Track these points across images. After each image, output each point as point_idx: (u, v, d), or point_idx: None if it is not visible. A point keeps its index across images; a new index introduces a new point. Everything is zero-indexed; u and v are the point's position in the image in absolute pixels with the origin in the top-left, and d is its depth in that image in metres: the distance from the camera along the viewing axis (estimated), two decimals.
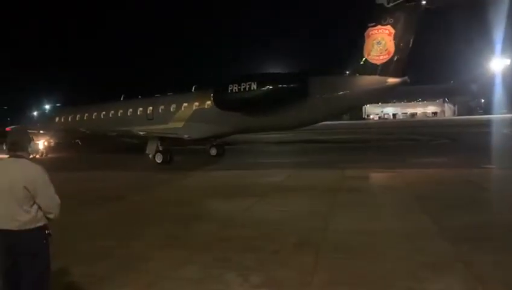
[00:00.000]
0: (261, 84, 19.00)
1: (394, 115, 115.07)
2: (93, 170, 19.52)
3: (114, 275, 5.95)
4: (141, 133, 21.43)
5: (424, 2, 17.89)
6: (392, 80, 18.36)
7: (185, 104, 22.64)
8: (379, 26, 18.42)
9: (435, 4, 18.44)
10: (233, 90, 19.35)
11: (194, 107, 22.24)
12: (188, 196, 12.05)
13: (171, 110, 23.04)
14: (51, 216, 4.07)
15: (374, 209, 9.50)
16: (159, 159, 20.31)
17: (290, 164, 18.55)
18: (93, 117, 26.43)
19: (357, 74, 19.02)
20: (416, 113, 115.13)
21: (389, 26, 18.17)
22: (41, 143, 25.69)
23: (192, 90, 23.49)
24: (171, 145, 21.65)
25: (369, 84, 18.82)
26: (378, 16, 18.43)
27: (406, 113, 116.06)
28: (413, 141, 30.86)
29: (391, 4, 17.91)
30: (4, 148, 4.10)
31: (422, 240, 7.02)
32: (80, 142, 26.24)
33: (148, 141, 20.79)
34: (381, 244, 6.94)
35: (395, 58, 18.17)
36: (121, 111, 25.28)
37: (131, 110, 24.83)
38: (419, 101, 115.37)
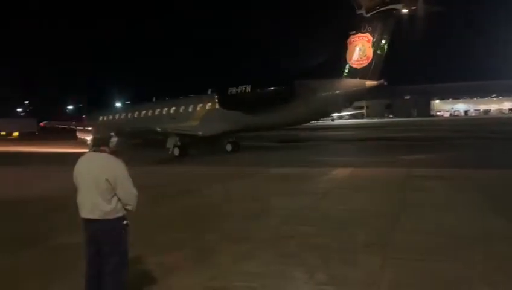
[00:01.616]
0: (254, 87, 21.88)
1: (466, 111, 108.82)
2: (148, 165, 19.96)
3: (182, 266, 6.20)
4: (159, 130, 24.17)
5: (397, 12, 20.02)
6: (370, 83, 20.78)
7: (200, 105, 25.91)
8: (359, 34, 20.72)
9: (407, 11, 20.22)
10: (232, 92, 22.55)
11: (207, 108, 25.35)
12: (252, 192, 12.23)
13: (189, 110, 26.42)
14: (129, 207, 4.37)
15: (442, 209, 9.13)
16: (176, 152, 23.47)
17: (354, 162, 18.24)
18: (130, 116, 30.62)
19: (341, 77, 21.35)
20: (490, 109, 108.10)
21: (367, 34, 20.50)
22: (90, 139, 27.68)
23: (208, 92, 26.16)
24: (197, 141, 24.79)
25: (351, 87, 21.20)
26: (358, 25, 20.79)
27: (479, 109, 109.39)
28: (485, 139, 29.07)
29: (369, 14, 20.20)
30: (88, 143, 4.46)
31: (495, 243, 6.66)
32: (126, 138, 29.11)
33: (168, 137, 23.85)
34: (452, 246, 6.65)
35: (373, 63, 20.55)
36: (151, 111, 29.08)
37: (159, 110, 28.58)
38: (493, 97, 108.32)
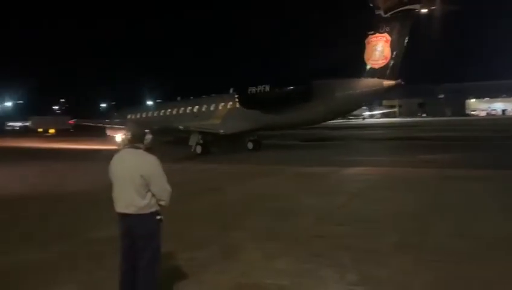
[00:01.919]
0: (273, 87, 22.33)
1: (503, 111, 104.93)
2: (176, 162, 20.04)
3: (213, 262, 6.27)
4: (181, 127, 25.13)
5: (415, 12, 20.14)
6: (387, 82, 20.86)
7: (222, 104, 26.44)
8: (377, 34, 20.89)
9: (426, 11, 20.27)
10: (251, 92, 23.04)
11: (228, 107, 25.86)
12: (280, 190, 12.22)
13: (211, 109, 27.05)
14: (163, 203, 4.46)
15: (478, 211, 8.88)
16: (198, 150, 24.11)
17: (385, 161, 17.95)
18: (156, 114, 31.70)
19: (359, 77, 21.50)
20: None
21: (386, 34, 20.63)
22: (119, 136, 28.67)
23: (230, 91, 26.27)
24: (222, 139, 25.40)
25: (368, 86, 21.33)
26: (376, 25, 20.91)
27: None
28: None
29: (388, 14, 20.33)
30: (117, 140, 4.56)
31: None
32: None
33: (191, 135, 24.63)
34: (486, 249, 6.45)
35: (391, 63, 20.67)
36: (176, 109, 30.13)
37: (183, 108, 29.56)
38: None
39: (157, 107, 33.80)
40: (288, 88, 22.27)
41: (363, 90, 21.52)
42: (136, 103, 42.99)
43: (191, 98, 32.22)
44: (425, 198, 10.44)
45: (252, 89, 23.07)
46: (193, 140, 24.48)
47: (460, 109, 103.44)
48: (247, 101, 23.70)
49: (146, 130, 4.54)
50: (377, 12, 20.70)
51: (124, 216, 4.39)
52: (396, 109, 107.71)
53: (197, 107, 28.40)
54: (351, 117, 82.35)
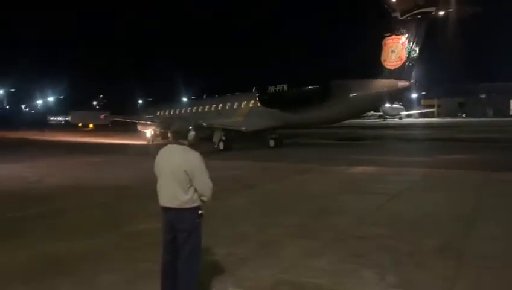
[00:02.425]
0: (291, 86, 23.19)
1: None
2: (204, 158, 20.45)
3: (251, 258, 6.32)
4: (205, 124, 25.74)
5: (432, 14, 20.41)
6: (402, 83, 21.37)
7: (244, 102, 27.36)
8: (393, 36, 21.43)
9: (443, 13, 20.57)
10: (271, 91, 23.97)
11: (250, 105, 26.71)
12: (316, 189, 12.15)
13: (234, 107, 28.10)
14: (205, 199, 4.55)
15: None
16: (221, 146, 24.99)
17: (424, 162, 17.50)
18: (182, 112, 33.23)
19: (376, 78, 21.97)
20: None
21: (401, 36, 21.15)
22: (149, 132, 31.73)
23: (253, 90, 26.89)
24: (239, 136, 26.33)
25: (384, 87, 21.82)
26: (393, 27, 21.44)
27: None
28: None
29: (404, 17, 20.76)
30: (169, 135, 4.68)
31: None
32: None
33: (214, 132, 25.63)
34: None
35: (406, 64, 21.09)
36: (202, 107, 31.61)
37: (208, 106, 30.96)
38: None
39: (184, 104, 35.64)
40: (305, 88, 23.07)
41: (379, 90, 22.10)
42: (169, 99, 44.24)
43: (216, 96, 33.80)
44: (467, 200, 10.13)
45: (271, 88, 24.02)
46: (216, 137, 25.51)
47: (504, 110, 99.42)
48: (267, 100, 24.60)
49: (190, 127, 4.63)
50: (394, 14, 21.27)
51: (167, 210, 4.51)
52: (434, 109, 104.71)
53: (220, 105, 29.60)
54: (387, 117, 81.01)
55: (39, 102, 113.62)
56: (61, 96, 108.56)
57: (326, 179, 14.17)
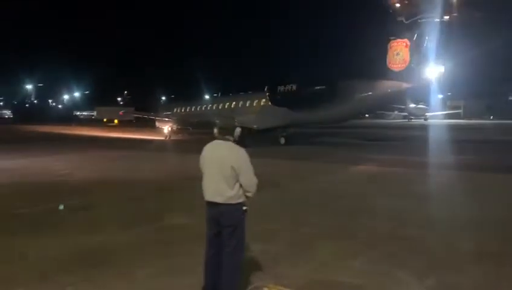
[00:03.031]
0: (299, 86, 23.97)
1: None
2: None
3: (285, 256, 6.33)
4: (217, 121, 24.83)
5: (436, 19, 21.13)
6: (406, 85, 22.09)
7: (256, 101, 28.27)
8: (398, 39, 22.25)
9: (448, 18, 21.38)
10: (280, 91, 24.84)
11: (261, 104, 27.52)
12: (344, 189, 12.05)
13: (247, 105, 29.06)
14: (249, 194, 4.59)
15: None
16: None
17: (456, 165, 17.10)
18: (198, 109, 34.59)
19: (381, 79, 22.68)
20: None
21: (406, 40, 21.92)
22: (166, 128, 33.39)
23: (265, 89, 27.21)
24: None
25: (389, 88, 22.59)
26: (397, 31, 22.22)
27: None
28: None
29: (408, 21, 21.54)
30: (215, 132, 4.71)
31: None
32: (190, 128, 34.31)
33: None
34: None
35: (410, 67, 21.89)
36: (216, 105, 32.81)
37: (222, 104, 32.01)
38: None
39: (199, 102, 36.68)
40: (313, 88, 23.86)
41: (384, 91, 22.93)
42: (187, 97, 45.51)
43: (230, 94, 35.38)
44: (503, 204, 9.88)
45: (281, 88, 24.89)
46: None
47: None
48: (277, 99, 25.43)
49: (236, 123, 4.66)
50: (399, 19, 22.11)
51: (213, 205, 4.56)
52: (461, 110, 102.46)
53: (233, 103, 30.77)
54: (412, 117, 79.70)
55: (66, 97, 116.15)
56: (87, 92, 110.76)
57: (353, 179, 14.05)
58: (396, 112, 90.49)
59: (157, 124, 36.71)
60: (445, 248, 6.70)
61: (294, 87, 24.22)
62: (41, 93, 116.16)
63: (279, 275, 5.56)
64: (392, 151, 22.69)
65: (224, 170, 4.43)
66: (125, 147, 26.97)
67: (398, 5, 21.74)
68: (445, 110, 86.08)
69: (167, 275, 5.56)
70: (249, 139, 25.40)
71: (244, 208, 4.59)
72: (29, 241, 6.94)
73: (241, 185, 4.50)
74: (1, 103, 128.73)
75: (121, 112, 65.42)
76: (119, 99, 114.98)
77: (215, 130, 4.73)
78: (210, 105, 33.82)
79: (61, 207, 8.95)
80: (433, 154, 21.31)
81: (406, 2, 21.54)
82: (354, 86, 23.29)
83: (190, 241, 6.95)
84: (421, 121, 75.75)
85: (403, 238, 7.26)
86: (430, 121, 73.97)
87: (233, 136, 4.69)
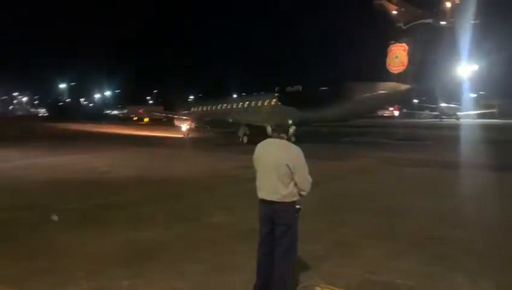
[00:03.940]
0: (305, 87, 26.27)
1: None
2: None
3: (330, 256, 6.31)
4: (230, 120, 29.74)
5: (430, 24, 22.89)
6: (404, 86, 23.72)
7: (267, 101, 30.04)
8: (397, 44, 23.89)
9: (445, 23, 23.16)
10: (288, 91, 27.02)
11: (272, 103, 29.09)
12: (381, 189, 11.92)
13: (258, 105, 30.90)
14: (304, 193, 4.59)
15: None
16: (245, 140, 27.64)
17: (495, 165, 16.62)
18: (213, 108, 36.44)
19: (381, 81, 24.30)
20: None
21: (404, 44, 23.59)
22: (185, 126, 34.88)
23: (276, 90, 29.06)
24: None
25: (387, 89, 24.15)
26: (396, 35, 23.94)
27: None
28: None
29: (406, 26, 23.34)
30: (269, 130, 4.73)
31: None
32: (208, 127, 36.30)
33: (239, 127, 28.64)
34: None
35: (408, 70, 23.47)
36: (230, 105, 34.64)
37: (235, 104, 33.98)
38: None
39: (215, 101, 38.41)
40: (317, 89, 26.01)
41: (383, 92, 24.44)
42: (207, 97, 47.65)
43: (243, 94, 37.80)
44: None
45: (289, 89, 27.17)
46: (241, 131, 28.42)
47: None
48: (285, 99, 27.30)
49: (290, 122, 4.68)
50: (398, 24, 23.74)
51: (267, 203, 4.57)
52: (496, 110, 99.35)
53: (246, 103, 32.80)
54: (443, 117, 77.90)
55: (97, 96, 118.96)
56: (118, 91, 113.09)
57: (389, 178, 13.86)
58: (427, 111, 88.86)
59: (175, 122, 38.22)
60: (494, 249, 6.55)
61: (300, 88, 26.49)
62: (74, 92, 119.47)
63: (328, 274, 5.56)
64: (425, 151, 22.34)
65: (280, 168, 4.44)
66: (160, 144, 27.66)
67: (395, 12, 23.56)
68: (478, 110, 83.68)
69: (218, 272, 5.63)
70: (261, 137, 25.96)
71: (298, 206, 4.60)
72: (79, 237, 7.16)
73: (295, 184, 4.50)
74: (37, 102, 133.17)
75: (140, 110, 67.03)
76: (148, 98, 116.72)
77: (269, 129, 4.74)
78: (225, 105, 35.50)
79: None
80: (468, 154, 20.82)
81: (403, 9, 23.35)
82: (355, 87, 24.95)
83: (234, 239, 7.04)
84: (453, 120, 73.91)
85: (449, 238, 7.14)
86: (462, 120, 72.12)
87: (287, 135, 4.69)
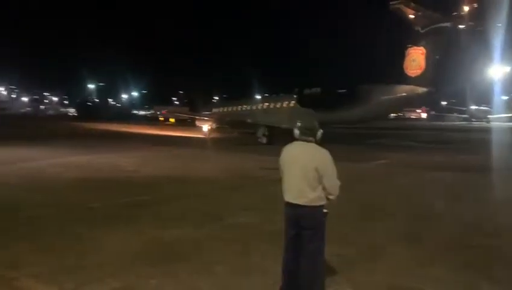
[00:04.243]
0: (323, 89, 26.91)
1: None
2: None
3: (360, 261, 6.20)
4: (249, 121, 30.85)
5: (447, 28, 23.38)
6: (421, 89, 23.81)
7: (286, 102, 30.60)
8: (415, 47, 24.09)
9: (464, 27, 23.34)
10: (306, 93, 27.72)
11: (290, 105, 29.67)
12: (409, 192, 11.68)
13: (277, 106, 31.42)
14: (332, 197, 4.51)
15: None
16: (263, 140, 28.75)
17: None
18: (234, 109, 36.97)
19: (399, 84, 24.49)
20: None
21: (421, 47, 23.78)
22: (206, 127, 35.74)
23: (295, 91, 29.48)
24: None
25: (405, 92, 24.38)
26: (414, 39, 24.22)
27: None
28: None
29: (424, 30, 23.61)
30: (297, 132, 4.64)
31: None
32: (228, 127, 37.51)
33: (259, 128, 29.67)
34: None
35: (425, 73, 23.61)
36: (250, 106, 35.17)
37: (255, 105, 34.61)
38: None
39: (236, 102, 39.01)
40: (335, 91, 26.44)
41: (401, 95, 24.67)
42: (228, 98, 48.43)
43: (265, 95, 38.71)
44: None
45: (307, 91, 27.76)
46: (260, 132, 29.41)
47: None
48: (303, 101, 27.64)
49: (317, 124, 4.59)
50: (415, 28, 23.99)
51: (294, 206, 4.51)
52: None
53: (266, 104, 33.48)
54: (473, 119, 75.95)
55: (124, 96, 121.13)
56: (145, 91, 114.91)
57: (418, 182, 13.57)
58: (456, 114, 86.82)
59: (197, 123, 39.06)
60: None
61: (318, 90, 27.12)
62: (102, 93, 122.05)
63: (355, 280, 5.47)
64: (454, 154, 21.81)
65: (308, 171, 4.38)
66: (185, 144, 27.84)
67: (412, 16, 23.68)
68: (510, 113, 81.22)
69: (244, 274, 5.61)
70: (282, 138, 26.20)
71: (325, 210, 4.52)
72: (107, 234, 7.27)
73: (323, 188, 4.44)
74: (67, 102, 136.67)
75: (163, 111, 68.48)
76: (174, 98, 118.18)
77: (296, 131, 4.65)
78: (246, 106, 36.00)
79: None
80: (500, 159, 20.19)
81: (420, 13, 23.44)
82: (372, 90, 25.23)
83: (260, 240, 7.01)
84: (483, 123, 71.94)
85: (478, 246, 6.93)
86: (493, 123, 70.07)
87: (315, 138, 4.61)
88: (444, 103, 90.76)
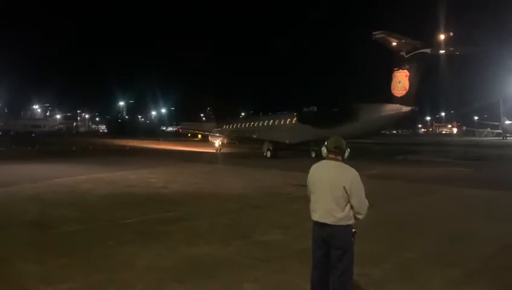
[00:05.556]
0: (319, 108, 30.13)
1: None
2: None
3: (389, 281, 6.09)
4: (255, 136, 34.40)
5: (429, 53, 26.05)
6: (405, 108, 26.26)
7: (289, 119, 32.95)
8: (400, 70, 26.84)
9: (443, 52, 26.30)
10: (305, 111, 30.92)
11: (293, 122, 32.11)
12: (443, 212, 11.39)
13: (281, 123, 33.90)
14: (360, 217, 4.49)
15: None
16: (268, 155, 31.31)
17: None
18: (242, 126, 39.92)
19: (386, 103, 27.03)
20: None
21: (406, 70, 26.56)
22: (218, 142, 38.61)
23: (295, 109, 32.61)
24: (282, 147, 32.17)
25: (390, 110, 26.85)
26: (399, 63, 26.91)
27: None
28: None
29: (408, 55, 26.42)
30: (324, 151, 4.68)
31: None
32: (237, 143, 41.25)
33: (264, 143, 32.43)
34: None
35: (409, 93, 26.35)
36: (256, 123, 37.71)
37: (261, 122, 36.99)
38: None
39: (244, 120, 43.43)
40: (329, 109, 29.15)
41: (388, 113, 26.97)
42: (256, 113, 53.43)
43: (269, 113, 40.87)
44: None
45: (305, 109, 30.87)
46: (265, 147, 31.99)
47: None
48: (302, 118, 30.85)
49: (344, 143, 4.61)
50: (400, 53, 26.67)
51: (321, 226, 4.51)
52: None
53: (271, 121, 35.68)
54: (507, 134, 73.66)
55: (153, 113, 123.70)
56: (173, 108, 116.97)
57: (449, 200, 13.22)
58: (489, 129, 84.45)
59: (210, 138, 41.61)
60: None
61: (315, 108, 30.20)
62: (132, 110, 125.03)
63: None
64: (486, 171, 21.21)
65: (336, 190, 4.39)
66: (212, 161, 28.33)
67: (395, 44, 26.47)
68: None
69: None
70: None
71: (354, 230, 4.51)
72: (139, 251, 7.41)
73: (351, 207, 4.43)
74: (98, 119, 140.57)
75: (178, 128, 71.42)
76: (202, 115, 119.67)
77: (324, 150, 4.68)
78: (253, 123, 38.64)
79: None
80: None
81: (402, 41, 26.10)
82: (363, 108, 27.61)
83: (289, 259, 6.99)
84: (502, 139, 69.57)
85: None
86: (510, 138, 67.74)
87: (343, 156, 4.63)
88: (476, 117, 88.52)
